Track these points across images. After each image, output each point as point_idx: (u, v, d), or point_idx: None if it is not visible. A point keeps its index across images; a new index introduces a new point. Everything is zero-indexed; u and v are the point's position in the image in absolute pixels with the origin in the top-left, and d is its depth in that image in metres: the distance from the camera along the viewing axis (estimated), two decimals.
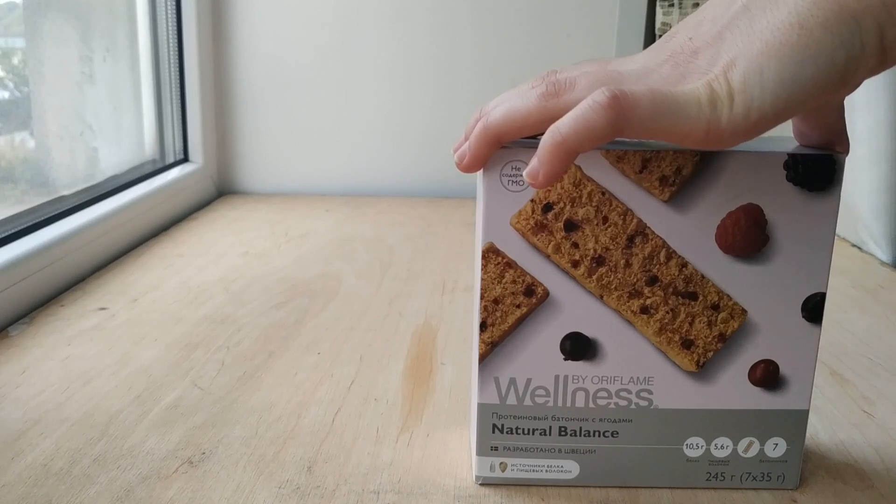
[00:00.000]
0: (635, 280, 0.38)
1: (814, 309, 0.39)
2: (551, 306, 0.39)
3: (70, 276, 0.73)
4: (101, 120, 0.92)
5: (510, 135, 0.36)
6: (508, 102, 0.35)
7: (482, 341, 0.39)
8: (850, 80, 0.31)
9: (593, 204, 0.38)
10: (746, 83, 0.31)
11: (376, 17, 1.11)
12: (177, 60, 1.06)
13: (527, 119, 0.35)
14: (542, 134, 0.35)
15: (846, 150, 0.38)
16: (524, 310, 0.39)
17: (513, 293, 0.39)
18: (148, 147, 1.05)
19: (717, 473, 0.41)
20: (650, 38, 1.11)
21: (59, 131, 0.84)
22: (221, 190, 1.17)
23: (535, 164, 0.33)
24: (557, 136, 0.32)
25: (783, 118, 0.31)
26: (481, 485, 0.42)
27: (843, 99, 0.36)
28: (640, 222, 0.38)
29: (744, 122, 0.31)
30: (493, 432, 0.41)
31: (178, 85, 1.07)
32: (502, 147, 0.37)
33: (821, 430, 0.48)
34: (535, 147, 0.36)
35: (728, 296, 0.39)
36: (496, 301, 0.39)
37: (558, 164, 0.33)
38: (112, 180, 0.93)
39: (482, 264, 0.38)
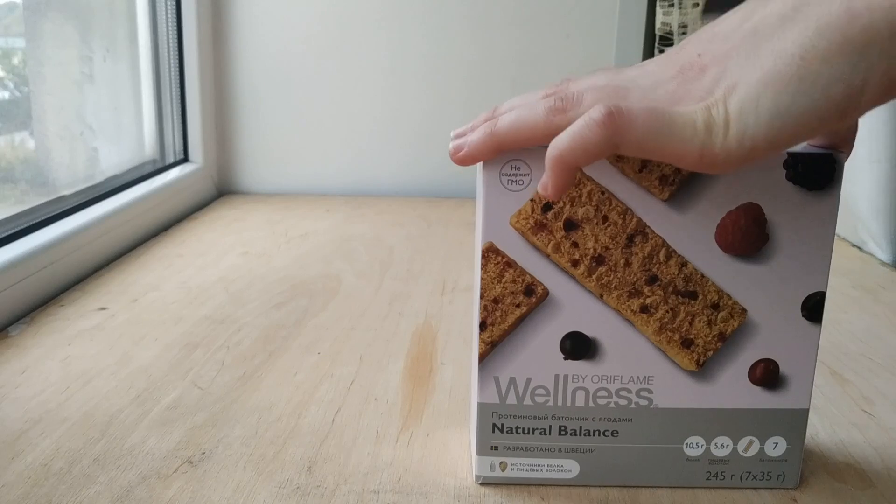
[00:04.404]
0: (635, 279, 0.38)
1: (814, 308, 0.39)
2: (551, 306, 0.39)
3: (70, 276, 0.73)
4: (101, 120, 0.92)
5: (515, 144, 0.36)
6: (517, 112, 0.36)
7: (482, 341, 0.39)
8: (850, 113, 0.30)
9: (593, 203, 0.38)
10: (742, 111, 0.31)
11: (376, 16, 1.11)
12: (177, 60, 1.06)
13: (533, 132, 0.35)
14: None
15: (848, 154, 0.38)
16: (524, 309, 0.39)
17: (512, 293, 0.39)
18: (148, 147, 1.05)
19: (717, 473, 0.41)
20: (650, 38, 1.11)
21: (59, 131, 0.84)
22: (221, 190, 1.17)
23: (545, 177, 0.34)
24: (555, 151, 0.33)
25: (779, 147, 0.31)
26: (481, 484, 0.42)
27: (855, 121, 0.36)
28: (640, 221, 0.38)
29: (737, 149, 0.31)
30: (493, 432, 0.41)
31: (178, 85, 1.07)
32: None
33: (821, 430, 0.48)
34: (538, 147, 0.37)
35: (728, 295, 0.39)
36: (496, 300, 0.39)
37: (560, 177, 0.33)
38: (112, 180, 0.93)
39: (482, 264, 0.38)
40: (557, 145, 0.33)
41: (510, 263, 0.38)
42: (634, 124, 0.31)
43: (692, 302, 0.39)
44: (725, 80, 0.31)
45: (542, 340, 0.39)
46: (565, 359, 0.39)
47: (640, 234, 0.38)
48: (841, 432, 0.48)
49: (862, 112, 0.30)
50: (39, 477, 0.41)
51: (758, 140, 0.31)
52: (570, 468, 0.41)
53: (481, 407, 0.40)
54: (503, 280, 0.39)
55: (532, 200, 0.38)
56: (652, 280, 0.38)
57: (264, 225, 0.97)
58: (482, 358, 0.40)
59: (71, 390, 0.51)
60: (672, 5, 1.07)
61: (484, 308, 0.39)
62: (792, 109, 0.30)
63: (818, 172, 0.37)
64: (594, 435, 0.41)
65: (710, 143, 0.31)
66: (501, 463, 0.41)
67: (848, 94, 0.29)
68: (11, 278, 0.64)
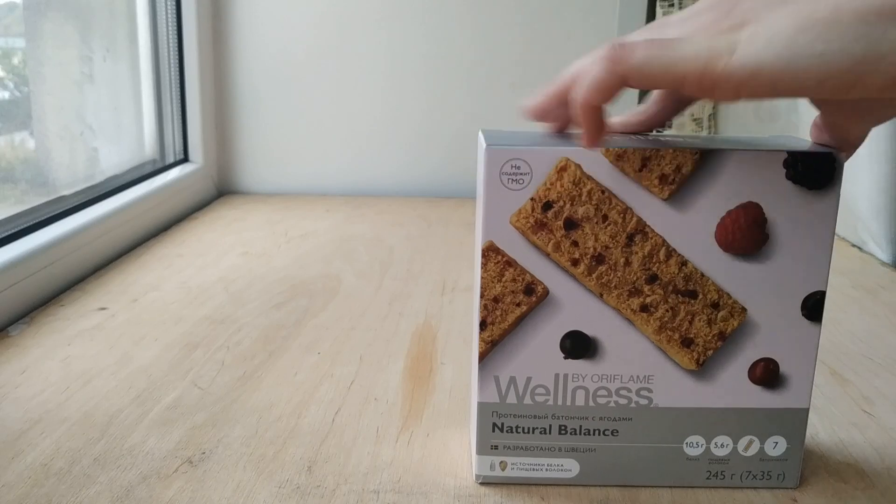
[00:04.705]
0: (635, 278, 0.38)
1: (813, 307, 0.39)
2: (551, 305, 0.39)
3: (70, 276, 0.73)
4: (101, 120, 0.92)
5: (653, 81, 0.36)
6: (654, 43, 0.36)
7: (482, 340, 0.39)
8: (859, 83, 0.29)
9: (593, 202, 0.38)
10: (754, 36, 0.31)
11: (376, 16, 1.11)
12: (177, 60, 1.06)
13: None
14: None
15: (849, 155, 0.38)
16: (524, 308, 0.39)
17: (513, 292, 0.39)
18: (148, 147, 1.05)
19: (717, 472, 0.41)
20: None
21: (59, 131, 0.84)
22: (221, 190, 1.17)
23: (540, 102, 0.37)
24: (576, 98, 0.35)
25: (780, 85, 0.30)
26: (481, 484, 0.42)
27: (869, 117, 0.36)
28: (640, 221, 0.38)
29: (739, 71, 0.31)
30: (493, 431, 0.41)
31: (178, 85, 1.07)
32: (501, 146, 0.37)
33: (821, 430, 0.48)
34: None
35: (728, 294, 0.39)
36: (496, 300, 0.39)
37: (588, 121, 0.35)
38: (112, 180, 0.93)
39: (482, 263, 0.38)
40: (576, 91, 0.35)
41: (510, 262, 0.38)
42: (635, 52, 0.33)
43: (692, 301, 0.39)
44: (752, 13, 0.31)
45: (542, 339, 0.39)
46: (565, 358, 0.39)
47: (640, 233, 0.38)
48: (841, 432, 0.48)
49: (872, 86, 0.29)
50: (39, 477, 0.41)
51: (762, 67, 0.30)
52: (570, 467, 0.41)
53: (481, 406, 0.40)
54: (503, 279, 0.39)
55: (532, 199, 0.37)
56: (652, 279, 0.38)
57: (264, 225, 0.97)
58: (482, 357, 0.40)
59: (71, 390, 0.51)
60: (672, 5, 1.07)
61: (484, 307, 0.39)
62: (806, 50, 0.30)
63: (818, 172, 0.37)
64: (594, 434, 0.41)
65: (713, 63, 0.31)
66: (501, 462, 0.41)
67: (865, 57, 0.29)
68: (11, 278, 0.64)
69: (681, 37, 0.33)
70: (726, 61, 0.31)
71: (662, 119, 0.41)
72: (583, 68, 0.36)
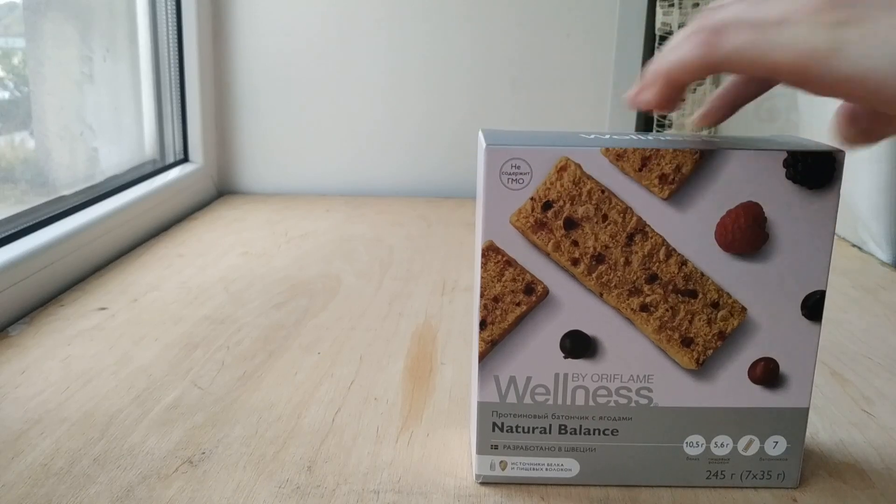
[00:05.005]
0: (635, 278, 0.38)
1: (813, 307, 0.39)
2: (551, 304, 0.39)
3: (70, 276, 0.73)
4: (101, 120, 0.92)
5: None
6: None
7: (482, 340, 0.39)
8: None
9: (593, 202, 0.38)
10: (868, 38, 0.29)
11: (376, 16, 1.11)
12: (177, 60, 1.06)
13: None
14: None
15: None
16: (524, 308, 0.39)
17: (513, 291, 0.39)
18: (148, 147, 1.05)
19: (717, 472, 0.41)
20: (650, 38, 1.11)
21: (59, 131, 0.84)
22: (221, 190, 1.17)
23: (645, 88, 0.34)
24: (658, 63, 0.33)
25: (883, 95, 0.29)
26: (481, 483, 0.42)
27: None
28: (640, 220, 0.38)
29: (844, 71, 0.29)
30: (493, 431, 0.41)
31: (178, 85, 1.07)
32: (501, 146, 0.37)
33: (821, 430, 0.48)
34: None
35: (728, 294, 0.39)
36: (496, 299, 0.39)
37: (657, 88, 0.33)
38: (112, 180, 0.93)
39: (482, 262, 0.38)
40: (662, 57, 0.33)
41: (510, 262, 0.38)
42: (730, 39, 0.31)
43: (692, 300, 0.39)
44: (865, 8, 0.29)
45: (542, 339, 0.39)
46: (565, 357, 0.39)
47: (639, 232, 0.38)
48: (841, 432, 0.48)
49: None
50: (39, 477, 0.41)
51: (869, 73, 0.29)
52: (570, 467, 0.41)
53: (481, 406, 0.40)
54: (503, 279, 0.39)
55: (532, 199, 0.37)
56: (652, 279, 0.38)
57: (264, 225, 0.97)
58: (482, 357, 0.40)
59: (71, 390, 0.51)
60: (672, 5, 1.07)
61: (484, 307, 0.39)
62: None
63: (818, 171, 0.37)
64: (594, 434, 0.41)
65: (813, 58, 0.29)
66: (501, 462, 0.41)
67: None
68: (11, 278, 0.64)
69: (780, 18, 0.30)
70: (829, 59, 0.29)
71: (743, 100, 0.39)
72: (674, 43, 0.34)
